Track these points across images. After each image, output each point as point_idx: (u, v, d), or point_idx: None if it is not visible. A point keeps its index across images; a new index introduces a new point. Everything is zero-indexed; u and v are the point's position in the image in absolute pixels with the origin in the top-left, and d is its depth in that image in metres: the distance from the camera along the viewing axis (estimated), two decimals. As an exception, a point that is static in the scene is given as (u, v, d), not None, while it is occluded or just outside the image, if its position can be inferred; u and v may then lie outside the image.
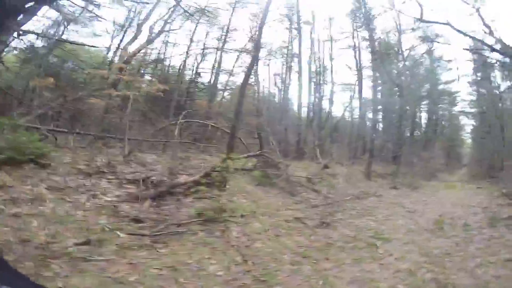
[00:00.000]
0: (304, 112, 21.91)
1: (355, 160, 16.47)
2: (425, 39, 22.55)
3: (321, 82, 23.15)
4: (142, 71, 15.53)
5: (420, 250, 4.68)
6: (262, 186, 7.97)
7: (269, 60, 21.62)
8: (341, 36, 21.90)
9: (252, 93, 18.00)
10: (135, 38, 13.75)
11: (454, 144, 30.34)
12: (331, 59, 22.94)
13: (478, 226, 6.13)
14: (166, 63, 17.31)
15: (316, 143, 14.66)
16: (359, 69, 25.10)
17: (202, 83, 18.70)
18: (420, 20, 9.46)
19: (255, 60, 10.14)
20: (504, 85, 23.40)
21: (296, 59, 21.40)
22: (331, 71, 24.20)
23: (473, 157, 26.44)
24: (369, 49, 23.25)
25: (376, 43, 23.39)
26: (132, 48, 13.41)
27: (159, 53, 16.57)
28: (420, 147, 22.72)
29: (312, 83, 23.70)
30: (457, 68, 23.34)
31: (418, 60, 25.10)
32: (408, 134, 30.14)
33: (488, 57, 24.46)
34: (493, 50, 8.71)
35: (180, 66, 17.39)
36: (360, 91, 24.92)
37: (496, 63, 13.46)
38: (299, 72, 20.74)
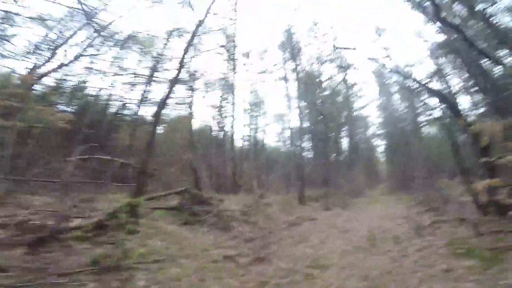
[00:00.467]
0: (241, 144, 21.90)
1: (290, 188, 16.53)
2: (340, 68, 25.74)
3: (256, 113, 23.79)
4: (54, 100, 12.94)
5: (359, 273, 4.21)
6: (190, 225, 6.82)
7: (207, 91, 21.29)
8: (274, 68, 23.04)
9: (187, 126, 16.98)
10: (47, 61, 11.47)
11: (372, 163, 34.28)
12: (264, 91, 24.00)
13: (406, 237, 6.15)
14: (88, 91, 15.03)
15: (252, 174, 14.18)
16: (288, 99, 26.97)
17: (128, 115, 16.86)
18: (335, 47, 10.44)
19: (172, 88, 9.35)
20: (402, 107, 28.11)
21: (233, 91, 21.69)
22: (264, 103, 25.32)
23: (388, 173, 29.97)
24: (296, 80, 25.42)
25: (302, 73, 25.50)
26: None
27: (79, 81, 14.37)
28: (345, 169, 24.60)
29: (248, 115, 24.30)
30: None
31: (336, 89, 28.39)
32: (334, 158, 33.14)
33: (389, 83, 29.42)
34: (392, 71, 9.85)
35: (105, 96, 15.46)
36: (291, 121, 26.71)
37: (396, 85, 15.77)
38: (234, 104, 20.88)
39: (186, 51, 9.95)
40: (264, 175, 18.18)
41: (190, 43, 10.34)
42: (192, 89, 18.15)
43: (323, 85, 26.56)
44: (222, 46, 19.42)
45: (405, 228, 7.26)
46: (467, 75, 14.07)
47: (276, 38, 25.68)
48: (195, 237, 6.23)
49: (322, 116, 22.14)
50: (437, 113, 11.61)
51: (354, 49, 9.59)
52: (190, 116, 17.14)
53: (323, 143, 23.33)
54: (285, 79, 22.77)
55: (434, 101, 10.72)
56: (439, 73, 15.53)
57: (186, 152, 13.11)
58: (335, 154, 32.21)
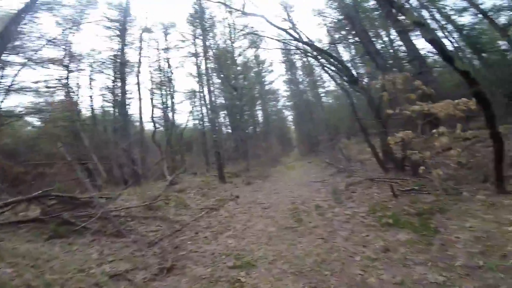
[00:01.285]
0: (150, 126, 18.81)
1: (210, 167, 15.21)
2: (252, 44, 25.11)
3: (166, 92, 20.76)
4: None
5: (291, 267, 3.36)
6: (60, 239, 4.72)
7: (100, 71, 16.80)
8: (183, 44, 20.41)
9: (71, 113, 13.03)
10: None
11: (284, 132, 36.43)
12: (171, 67, 20.89)
13: (329, 206, 5.81)
14: None
15: (163, 159, 12.06)
16: (200, 75, 24.75)
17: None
18: (243, 12, 8.97)
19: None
20: (306, 81, 30.08)
21: (135, 70, 17.92)
22: (174, 80, 22.40)
23: (298, 140, 32.40)
24: (208, 56, 23.35)
25: (214, 49, 23.63)
26: None
27: None
28: (262, 140, 24.91)
29: (156, 95, 21.03)
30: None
31: (248, 64, 27.78)
32: (251, 131, 33.55)
33: (294, 61, 30.70)
34: (297, 40, 9.24)
35: None
36: (205, 98, 24.69)
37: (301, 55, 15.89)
38: (138, 84, 17.35)
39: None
40: (180, 157, 16.19)
41: None
42: (69, 69, 14.02)
43: (236, 60, 25.69)
44: (112, 20, 15.53)
45: (324, 194, 7.08)
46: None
47: (186, 12, 22.90)
48: (68, 254, 4.27)
49: (236, 92, 21.19)
50: (335, 82, 11.87)
51: (262, 16, 8.53)
52: (71, 101, 13.24)
53: (239, 117, 22.87)
54: (196, 55, 20.57)
55: (330, 72, 10.75)
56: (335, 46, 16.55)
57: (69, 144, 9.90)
58: (251, 127, 32.65)
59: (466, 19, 12.02)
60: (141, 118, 17.95)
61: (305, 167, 14.64)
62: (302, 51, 10.81)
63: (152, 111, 18.06)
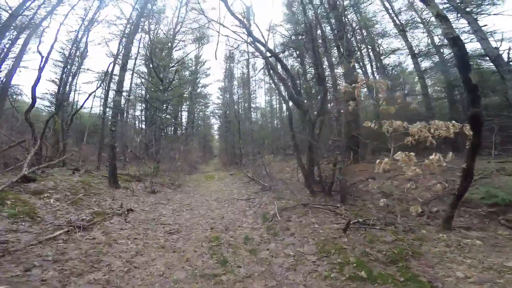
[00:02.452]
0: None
1: (103, 164, 11.52)
2: (197, 39, 22.55)
3: (69, 67, 15.56)
4: None
5: None
6: None
7: None
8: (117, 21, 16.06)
9: None
10: None
11: (207, 139, 34.10)
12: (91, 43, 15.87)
13: (260, 238, 4.11)
14: None
15: (21, 141, 8.03)
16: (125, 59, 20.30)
17: None
18: None
19: None
20: (240, 93, 29.13)
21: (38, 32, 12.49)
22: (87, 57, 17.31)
23: (221, 149, 30.64)
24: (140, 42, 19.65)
25: (151, 35, 19.99)
26: None
27: None
28: (181, 143, 21.99)
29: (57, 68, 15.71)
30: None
31: (184, 60, 24.87)
32: (171, 131, 29.87)
33: (233, 72, 29.45)
34: (250, 35, 7.70)
35: None
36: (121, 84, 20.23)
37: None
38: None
39: None
40: (63, 145, 11.76)
41: None
42: None
43: (173, 53, 22.70)
44: None
45: (252, 218, 5.36)
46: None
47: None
48: None
49: (161, 84, 18.14)
50: (278, 91, 10.88)
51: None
52: None
53: (158, 112, 19.65)
54: (125, 35, 16.66)
55: (275, 79, 9.65)
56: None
57: None
58: (172, 128, 29.06)
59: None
60: (33, 92, 12.54)
61: (226, 179, 12.82)
62: (252, 47, 9.30)
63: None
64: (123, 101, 21.38)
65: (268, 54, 8.86)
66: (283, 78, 9.52)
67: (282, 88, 9.87)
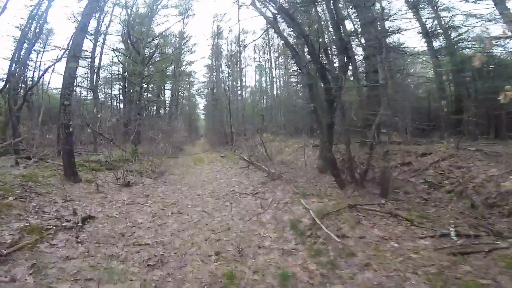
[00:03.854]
0: None
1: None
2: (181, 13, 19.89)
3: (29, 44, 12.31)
4: None
5: None
6: None
7: None
8: None
9: None
10: None
11: (192, 119, 31.55)
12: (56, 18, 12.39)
13: (307, 277, 2.28)
14: None
15: None
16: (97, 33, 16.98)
17: None
18: None
19: None
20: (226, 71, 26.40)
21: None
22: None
23: (208, 129, 28.36)
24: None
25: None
26: None
27: None
28: (165, 123, 19.58)
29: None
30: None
31: (166, 34, 21.78)
32: (154, 110, 26.98)
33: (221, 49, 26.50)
34: None
35: None
36: (93, 60, 17.14)
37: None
38: None
39: None
40: (12, 129, 9.21)
41: None
42: None
43: (154, 28, 19.60)
44: None
45: (275, 230, 3.52)
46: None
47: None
48: None
49: (139, 57, 15.47)
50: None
51: None
52: None
53: (138, 90, 17.10)
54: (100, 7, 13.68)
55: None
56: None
57: None
58: (155, 108, 26.17)
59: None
60: None
61: (218, 162, 10.90)
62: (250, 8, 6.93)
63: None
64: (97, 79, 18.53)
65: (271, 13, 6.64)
66: (289, 46, 7.44)
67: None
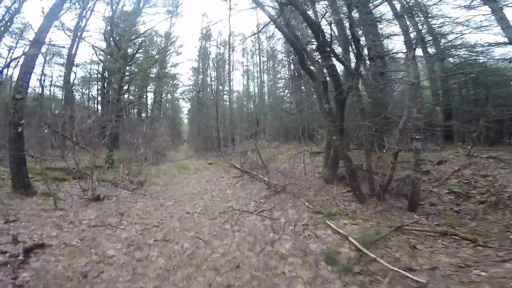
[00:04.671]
0: None
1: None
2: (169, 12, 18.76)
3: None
4: None
5: None
6: None
7: None
8: None
9: None
10: None
11: (175, 123, 29.98)
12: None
13: None
14: None
15: None
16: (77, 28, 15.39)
17: None
18: None
19: None
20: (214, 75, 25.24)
21: None
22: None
23: (192, 134, 26.93)
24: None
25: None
26: None
27: None
28: (146, 126, 18.08)
29: None
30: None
31: (151, 33, 20.45)
32: (135, 115, 25.14)
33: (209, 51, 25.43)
34: None
35: None
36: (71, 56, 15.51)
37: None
38: None
39: None
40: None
41: None
42: None
43: (139, 27, 18.39)
44: None
45: (307, 268, 2.54)
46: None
47: None
48: None
49: (122, 61, 14.16)
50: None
51: None
52: None
53: (117, 89, 15.69)
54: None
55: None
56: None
57: None
58: (135, 109, 24.41)
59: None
60: None
61: (206, 171, 9.73)
62: None
63: None
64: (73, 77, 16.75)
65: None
66: (292, 42, 6.64)
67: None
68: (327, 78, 4.99)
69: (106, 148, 9.04)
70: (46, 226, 3.48)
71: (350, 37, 5.92)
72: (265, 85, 24.38)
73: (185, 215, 4.29)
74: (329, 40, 5.31)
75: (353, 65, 6.03)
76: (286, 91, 20.11)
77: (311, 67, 5.67)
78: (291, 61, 16.87)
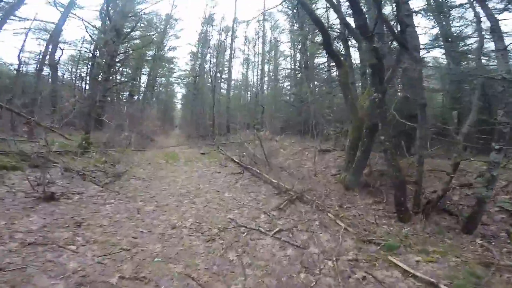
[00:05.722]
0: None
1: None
2: None
3: None
4: None
5: None
6: None
7: None
8: None
9: None
10: None
11: (168, 108, 28.22)
12: None
13: None
14: None
15: None
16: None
17: None
18: None
19: None
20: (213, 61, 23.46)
21: None
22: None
23: (184, 119, 25.36)
24: None
25: None
26: None
27: None
28: (137, 110, 16.50)
29: None
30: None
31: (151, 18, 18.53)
32: (127, 96, 23.21)
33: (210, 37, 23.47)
34: None
35: None
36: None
37: None
38: None
39: None
40: None
41: None
42: None
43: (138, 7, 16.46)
44: None
45: None
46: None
47: None
48: None
49: (113, 35, 12.65)
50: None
51: None
52: None
53: (105, 68, 14.27)
54: None
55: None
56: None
57: None
58: (128, 93, 22.47)
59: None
60: None
61: (199, 162, 8.42)
62: None
63: None
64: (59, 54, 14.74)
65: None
66: (316, 20, 5.34)
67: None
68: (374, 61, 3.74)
69: (83, 130, 7.58)
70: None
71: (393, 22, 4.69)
72: (265, 75, 22.95)
73: (169, 231, 3.04)
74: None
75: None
76: (287, 83, 18.86)
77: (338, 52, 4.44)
78: (298, 51, 15.57)
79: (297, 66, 16.60)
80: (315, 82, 14.26)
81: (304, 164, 7.57)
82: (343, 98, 6.05)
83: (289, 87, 18.23)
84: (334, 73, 12.60)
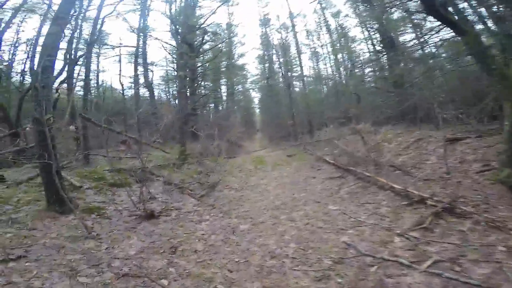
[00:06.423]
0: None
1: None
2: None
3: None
4: None
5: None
6: None
7: None
8: None
9: None
10: None
11: (249, 113, 29.34)
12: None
13: None
14: None
15: None
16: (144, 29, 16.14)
17: None
18: None
19: None
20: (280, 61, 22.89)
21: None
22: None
23: (264, 123, 25.67)
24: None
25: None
26: None
27: None
28: (223, 119, 17.58)
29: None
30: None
31: (214, 27, 19.92)
32: (213, 109, 25.54)
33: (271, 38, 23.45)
34: None
35: None
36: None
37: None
38: None
39: None
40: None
41: None
42: None
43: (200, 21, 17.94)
44: None
45: None
46: None
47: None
48: None
49: (190, 55, 13.78)
50: None
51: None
52: None
53: (193, 83, 15.69)
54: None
55: None
56: None
57: None
58: (212, 105, 24.64)
59: None
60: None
61: (286, 165, 7.71)
62: None
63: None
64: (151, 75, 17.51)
65: None
66: None
67: None
68: None
69: (178, 142, 8.17)
70: (53, 273, 2.10)
71: None
72: (341, 64, 20.43)
73: (268, 262, 2.33)
74: None
75: None
76: (369, 69, 15.91)
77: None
78: (375, 31, 12.90)
79: (378, 48, 13.81)
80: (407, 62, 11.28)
81: (425, 160, 5.67)
82: (479, 70, 4.06)
83: (371, 72, 15.36)
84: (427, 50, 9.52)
